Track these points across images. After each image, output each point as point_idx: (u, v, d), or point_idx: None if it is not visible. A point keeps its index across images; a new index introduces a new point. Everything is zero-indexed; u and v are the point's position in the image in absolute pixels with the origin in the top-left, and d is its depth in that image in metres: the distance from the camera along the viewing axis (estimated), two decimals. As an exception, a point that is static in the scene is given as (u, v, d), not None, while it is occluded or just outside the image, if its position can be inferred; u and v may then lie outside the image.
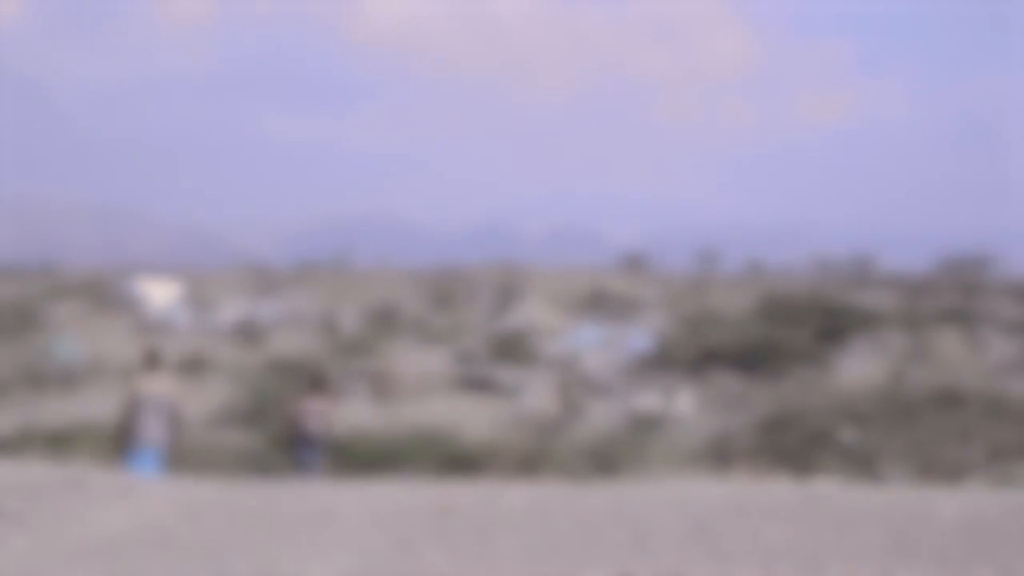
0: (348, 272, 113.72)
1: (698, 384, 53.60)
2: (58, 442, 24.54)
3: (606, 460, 23.38)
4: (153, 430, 14.37)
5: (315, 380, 17.18)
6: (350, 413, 37.53)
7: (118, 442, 14.71)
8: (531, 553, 8.97)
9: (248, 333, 74.50)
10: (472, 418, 40.99)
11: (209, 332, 77.71)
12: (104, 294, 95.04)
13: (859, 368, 56.80)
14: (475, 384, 54.79)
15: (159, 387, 14.53)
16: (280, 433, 21.13)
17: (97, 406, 35.08)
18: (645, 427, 37.51)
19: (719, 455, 23.27)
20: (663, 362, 58.77)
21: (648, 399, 46.98)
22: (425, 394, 51.70)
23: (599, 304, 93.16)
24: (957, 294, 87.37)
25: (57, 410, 42.87)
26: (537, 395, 49.26)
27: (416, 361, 62.60)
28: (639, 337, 66.80)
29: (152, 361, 14.76)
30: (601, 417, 44.19)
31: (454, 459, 24.37)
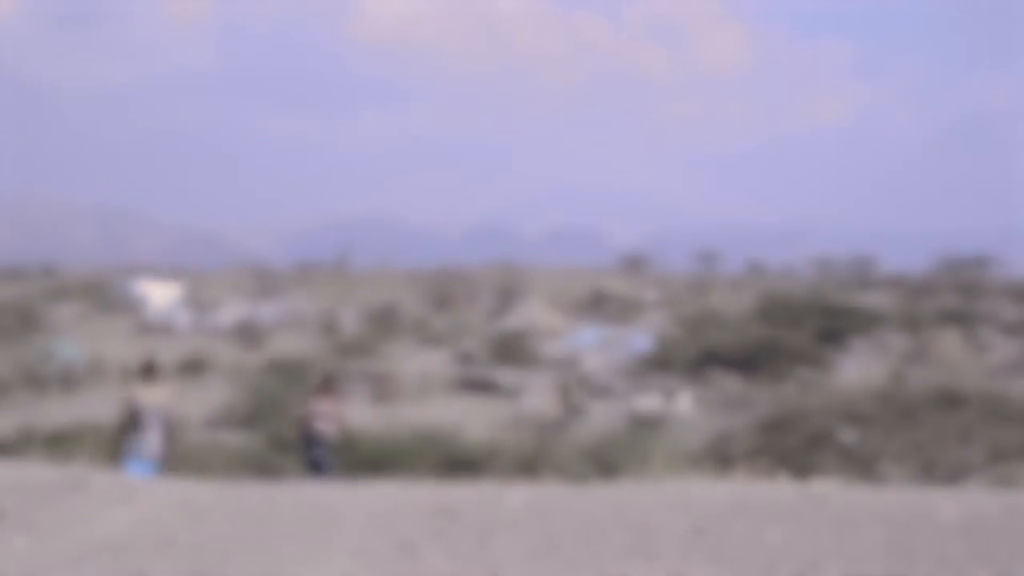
0: (348, 273, 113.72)
1: (698, 385, 53.57)
2: (59, 443, 24.52)
3: (606, 461, 23.35)
4: (150, 439, 14.39)
5: (324, 381, 17.05)
6: (350, 414, 37.46)
7: (116, 452, 14.75)
8: (531, 553, 8.98)
9: (248, 334, 74.47)
10: (472, 419, 40.97)
11: (209, 333, 77.71)
12: (104, 295, 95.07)
13: (859, 369, 56.79)
14: (475, 385, 54.76)
15: (156, 396, 14.53)
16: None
17: (98, 407, 35.08)
18: (645, 428, 37.48)
19: (719, 456, 23.25)
20: (663, 363, 58.75)
21: (648, 400, 46.98)
22: (425, 395, 51.69)
23: (599, 305, 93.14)
24: (957, 295, 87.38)
25: (58, 411, 42.86)
26: (537, 396, 49.24)
27: (416, 362, 62.59)
28: (639, 338, 66.79)
29: (149, 371, 14.76)
30: (601, 418, 44.17)
31: (454, 460, 24.35)
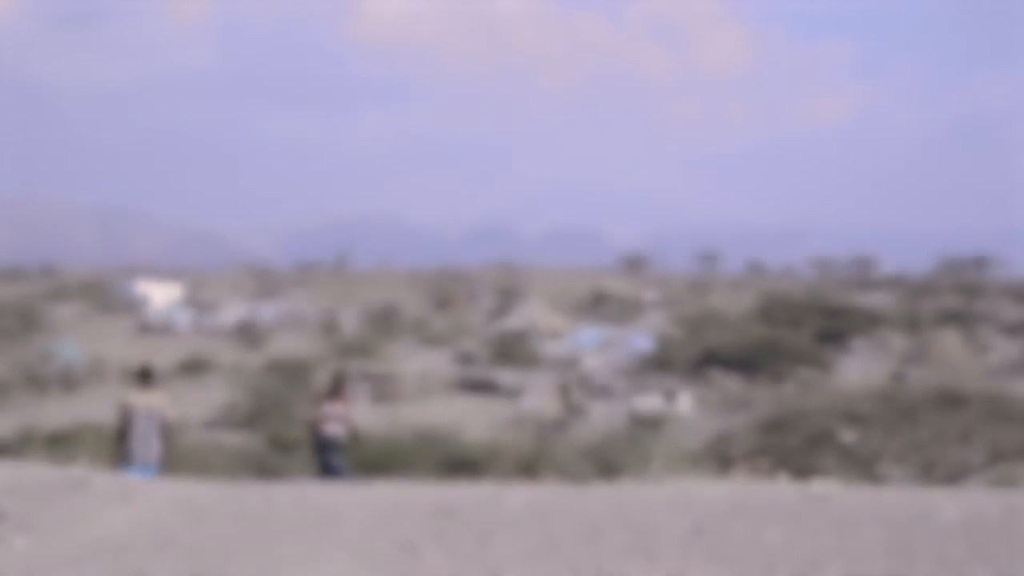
0: (348, 273, 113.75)
1: (698, 385, 53.60)
2: (59, 443, 24.53)
3: (606, 461, 23.36)
4: (147, 444, 14.37)
5: (334, 383, 16.88)
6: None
7: (114, 457, 14.74)
8: (531, 553, 8.98)
9: (248, 334, 74.47)
10: (472, 419, 40.99)
11: (209, 333, 77.72)
12: (104, 295, 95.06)
13: (859, 369, 56.81)
14: (475, 385, 54.77)
15: (151, 401, 14.51)
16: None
17: (98, 407, 35.08)
18: (645, 428, 37.49)
19: (719, 456, 23.25)
20: (663, 363, 58.77)
21: (648, 400, 46.99)
22: (425, 395, 51.70)
23: (599, 305, 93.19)
24: (957, 295, 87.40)
25: (58, 411, 42.89)
26: (537, 396, 49.26)
27: (416, 362, 62.60)
28: (639, 338, 66.80)
29: (144, 377, 14.74)
30: (601, 418, 44.19)
31: (454, 460, 24.35)
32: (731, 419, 38.44)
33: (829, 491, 11.37)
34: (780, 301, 74.26)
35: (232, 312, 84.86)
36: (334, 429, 16.32)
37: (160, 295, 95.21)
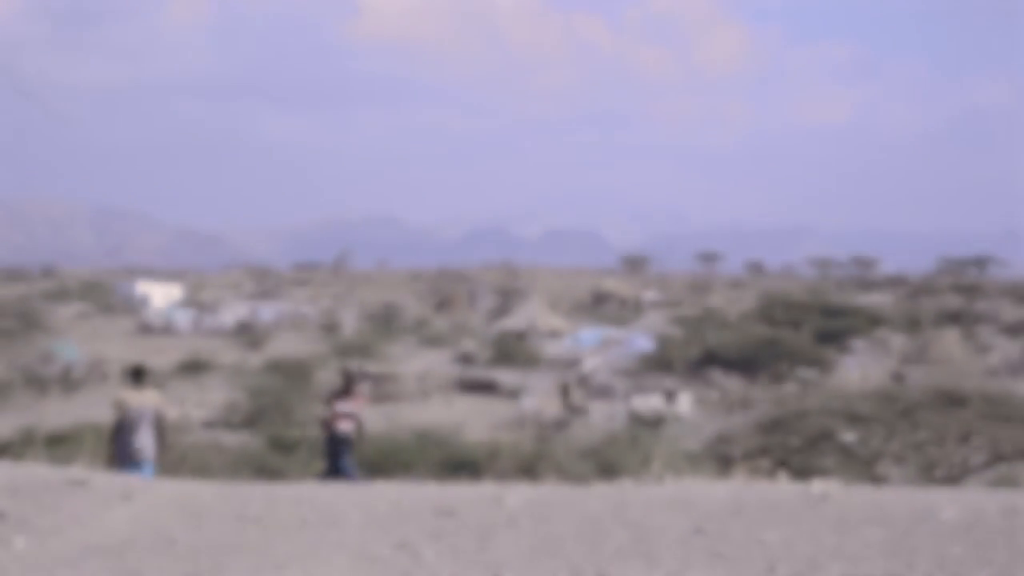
0: (348, 273, 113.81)
1: (698, 385, 53.58)
2: (59, 443, 24.50)
3: (606, 461, 23.35)
4: (142, 443, 14.35)
5: (346, 381, 16.92)
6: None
7: (108, 455, 14.73)
8: (531, 553, 8.98)
9: (248, 335, 74.45)
10: (472, 419, 40.99)
11: (209, 333, 77.71)
12: (105, 296, 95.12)
13: (859, 369, 56.77)
14: (475, 385, 54.72)
15: (145, 399, 14.50)
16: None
17: (98, 407, 35.06)
18: (645, 428, 37.46)
19: (719, 456, 23.26)
20: (663, 363, 58.74)
21: (648, 400, 46.95)
22: (425, 395, 51.66)
23: (599, 305, 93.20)
24: (957, 295, 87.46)
25: (58, 411, 42.87)
26: (537, 396, 49.24)
27: (416, 362, 62.59)
28: (639, 338, 66.79)
29: (136, 376, 14.73)
30: (601, 418, 44.17)
31: (454, 460, 24.34)
32: (731, 419, 38.45)
33: (829, 491, 11.36)
34: (780, 301, 74.28)
35: (232, 312, 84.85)
36: (346, 427, 16.39)
37: (160, 296, 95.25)
